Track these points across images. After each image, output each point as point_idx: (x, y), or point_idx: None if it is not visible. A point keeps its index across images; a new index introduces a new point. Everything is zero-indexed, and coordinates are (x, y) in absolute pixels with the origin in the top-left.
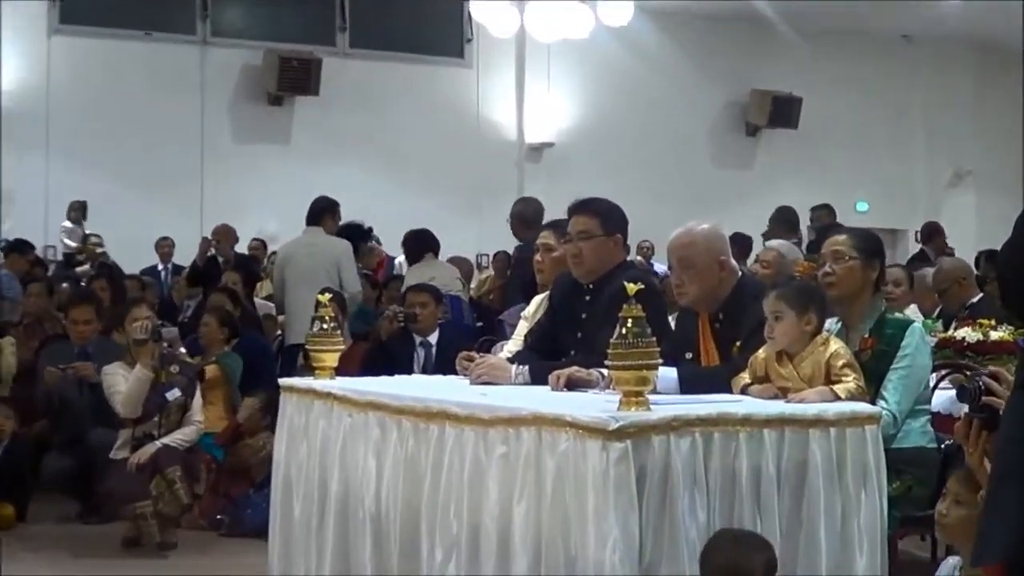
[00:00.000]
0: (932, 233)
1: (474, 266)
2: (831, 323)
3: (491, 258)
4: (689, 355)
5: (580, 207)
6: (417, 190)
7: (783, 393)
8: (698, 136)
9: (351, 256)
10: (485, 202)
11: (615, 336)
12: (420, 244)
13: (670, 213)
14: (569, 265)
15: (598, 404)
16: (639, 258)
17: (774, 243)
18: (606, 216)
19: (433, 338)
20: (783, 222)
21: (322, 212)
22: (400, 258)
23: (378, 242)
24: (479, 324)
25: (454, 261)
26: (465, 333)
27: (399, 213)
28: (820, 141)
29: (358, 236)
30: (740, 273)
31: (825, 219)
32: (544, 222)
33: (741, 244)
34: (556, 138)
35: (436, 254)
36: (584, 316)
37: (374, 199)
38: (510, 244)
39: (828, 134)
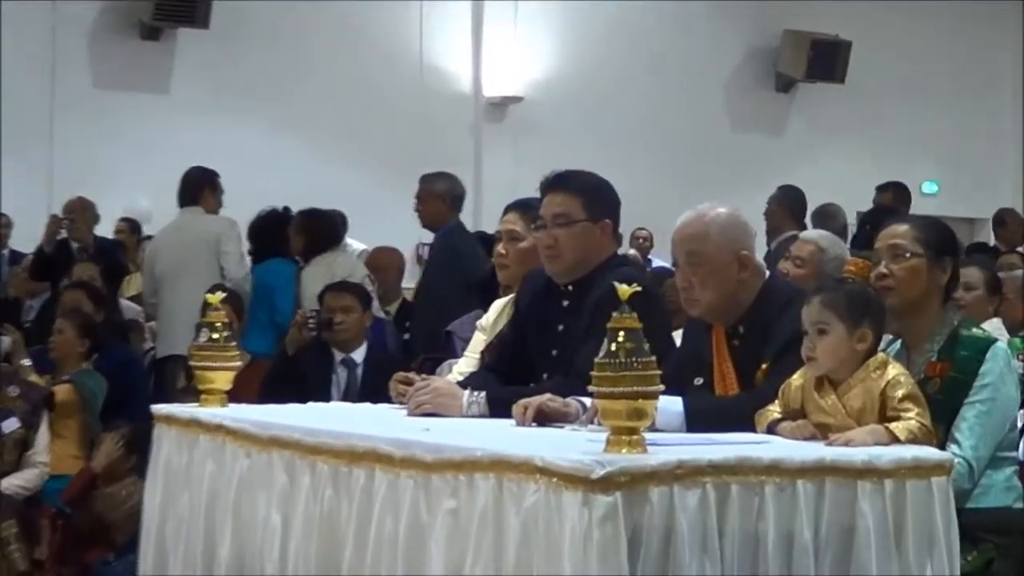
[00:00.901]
0: (1004, 221)
1: (411, 259)
2: (888, 341)
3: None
4: (699, 380)
5: (556, 183)
6: (339, 158)
7: (824, 433)
8: (713, 92)
9: (234, 234)
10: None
11: (602, 354)
12: (321, 230)
13: (676, 192)
14: (541, 260)
15: (578, 444)
16: (633, 252)
17: (811, 234)
18: (590, 195)
19: (358, 354)
20: (785, 206)
21: (197, 187)
22: None
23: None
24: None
25: (380, 252)
26: (400, 347)
27: (314, 188)
28: (874, 99)
29: (279, 227)
30: (767, 273)
31: (889, 202)
32: (510, 202)
33: (795, 206)
34: (525, 91)
35: (336, 244)
36: (561, 327)
37: (281, 169)
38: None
39: (885, 90)
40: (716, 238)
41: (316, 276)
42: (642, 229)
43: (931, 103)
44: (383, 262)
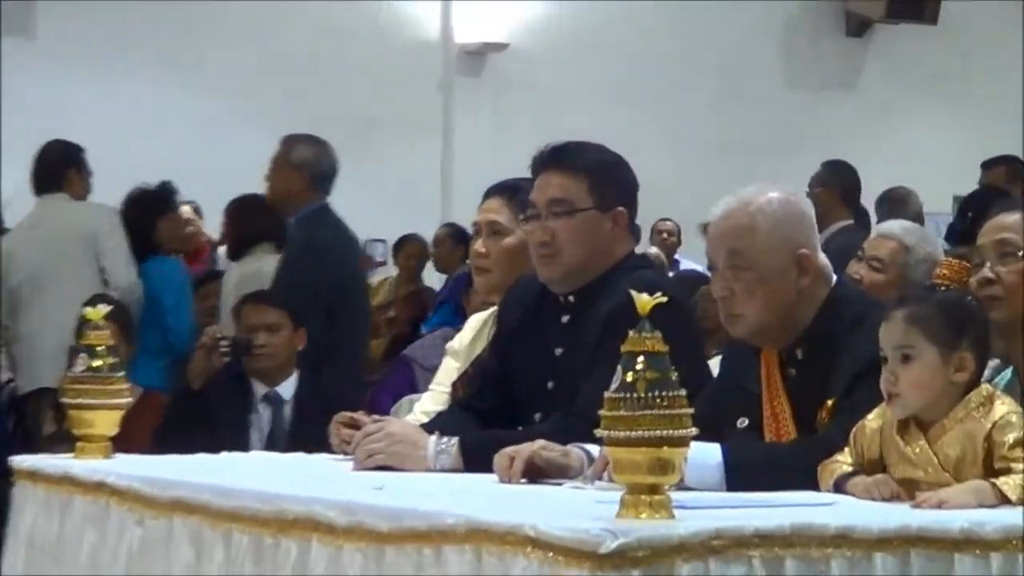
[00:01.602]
0: None
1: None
2: (994, 369)
3: (390, 248)
4: (744, 422)
5: (554, 160)
6: (267, 124)
7: (910, 491)
8: (763, 35)
9: (115, 227)
10: (387, 147)
11: (614, 387)
12: (251, 222)
13: (711, 171)
14: (533, 261)
15: (582, 507)
16: (655, 250)
17: (892, 226)
18: (599, 176)
19: (287, 387)
20: (834, 188)
21: (60, 168)
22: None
23: (197, 212)
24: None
25: None
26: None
27: (235, 164)
28: (976, 46)
29: (156, 205)
30: (834, 279)
31: (1000, 182)
32: (491, 186)
33: (847, 188)
34: (509, 37)
35: (278, 242)
36: (559, 351)
37: (188, 137)
38: (429, 220)
39: (990, 34)
40: (766, 233)
41: (240, 276)
42: (666, 220)
43: None
44: None
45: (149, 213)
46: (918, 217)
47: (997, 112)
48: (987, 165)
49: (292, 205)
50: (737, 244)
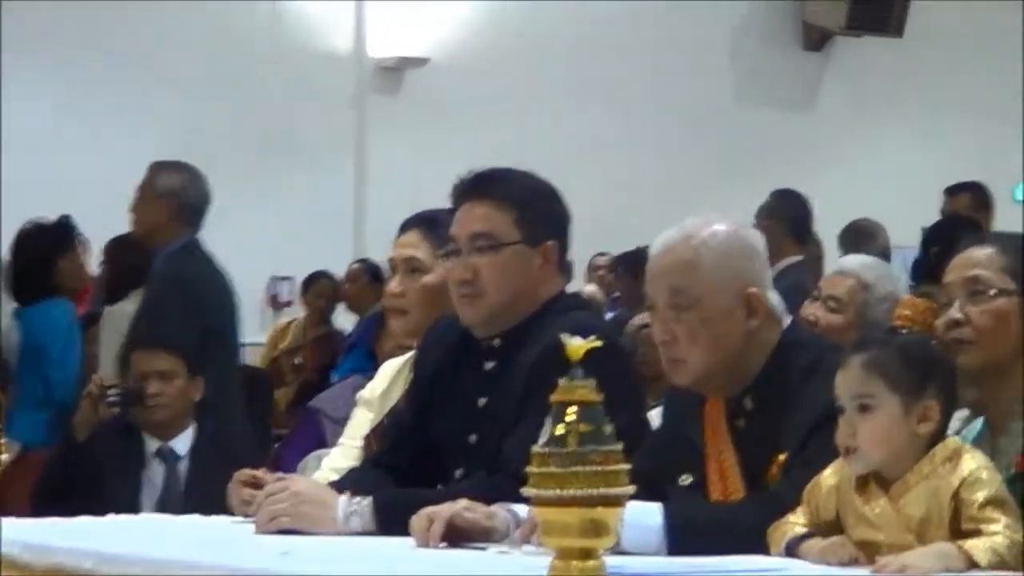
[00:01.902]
0: None
1: (260, 298)
2: (963, 420)
3: (298, 287)
4: (687, 478)
5: (477, 188)
6: (155, 147)
7: (869, 554)
8: (714, 48)
9: None
10: (293, 173)
11: (543, 440)
12: (129, 262)
13: (654, 200)
14: (454, 301)
15: (508, 573)
16: (591, 289)
17: (851, 262)
18: (527, 206)
19: (182, 442)
20: (783, 220)
21: None
22: None
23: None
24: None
25: None
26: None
27: (116, 192)
28: (945, 61)
29: (54, 242)
30: (787, 321)
31: (968, 210)
32: (409, 217)
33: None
34: (430, 51)
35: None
36: (483, 401)
37: (65, 161)
38: (341, 256)
39: (960, 48)
40: (711, 270)
41: (119, 318)
42: (603, 255)
43: None
44: None
45: (47, 251)
46: (885, 252)
47: (968, 132)
48: (951, 191)
49: (158, 238)
50: (679, 282)
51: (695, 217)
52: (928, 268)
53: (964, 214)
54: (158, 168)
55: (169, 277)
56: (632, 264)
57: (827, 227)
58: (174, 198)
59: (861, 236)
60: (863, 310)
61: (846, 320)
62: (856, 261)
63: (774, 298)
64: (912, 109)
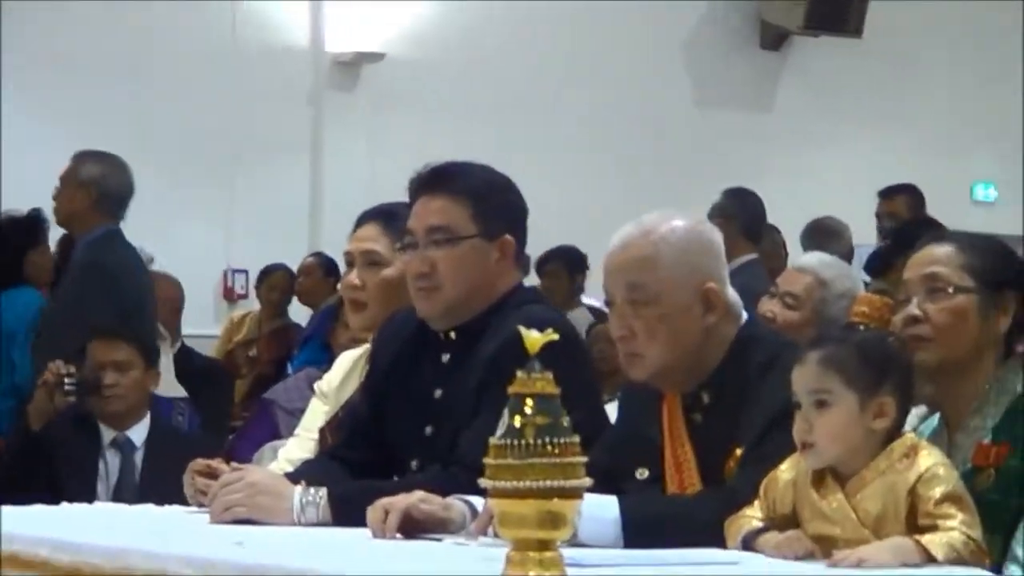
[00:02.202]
0: None
1: (215, 291)
2: (920, 416)
3: (253, 280)
4: (644, 472)
5: (434, 182)
6: (114, 140)
7: (825, 549)
8: (667, 50)
9: None
10: (249, 168)
11: (500, 432)
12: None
13: (614, 197)
14: (411, 295)
15: (464, 565)
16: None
17: (809, 260)
18: (484, 200)
19: (138, 432)
20: (736, 220)
21: None
22: None
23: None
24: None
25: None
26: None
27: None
28: (905, 61)
29: (26, 235)
30: (744, 317)
31: (901, 212)
32: (366, 210)
33: (749, 219)
34: (387, 46)
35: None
36: (438, 394)
37: (21, 161)
38: (296, 249)
39: (920, 48)
40: (669, 266)
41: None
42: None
43: (989, 69)
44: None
45: (18, 244)
46: (850, 251)
47: (929, 133)
48: (886, 194)
49: (79, 226)
50: (637, 277)
51: (653, 213)
52: (884, 263)
53: (929, 217)
54: (81, 157)
55: (88, 264)
56: (566, 262)
57: (787, 227)
58: (95, 187)
59: (827, 235)
60: (820, 307)
61: (803, 317)
62: (814, 258)
63: (732, 294)
64: (871, 108)
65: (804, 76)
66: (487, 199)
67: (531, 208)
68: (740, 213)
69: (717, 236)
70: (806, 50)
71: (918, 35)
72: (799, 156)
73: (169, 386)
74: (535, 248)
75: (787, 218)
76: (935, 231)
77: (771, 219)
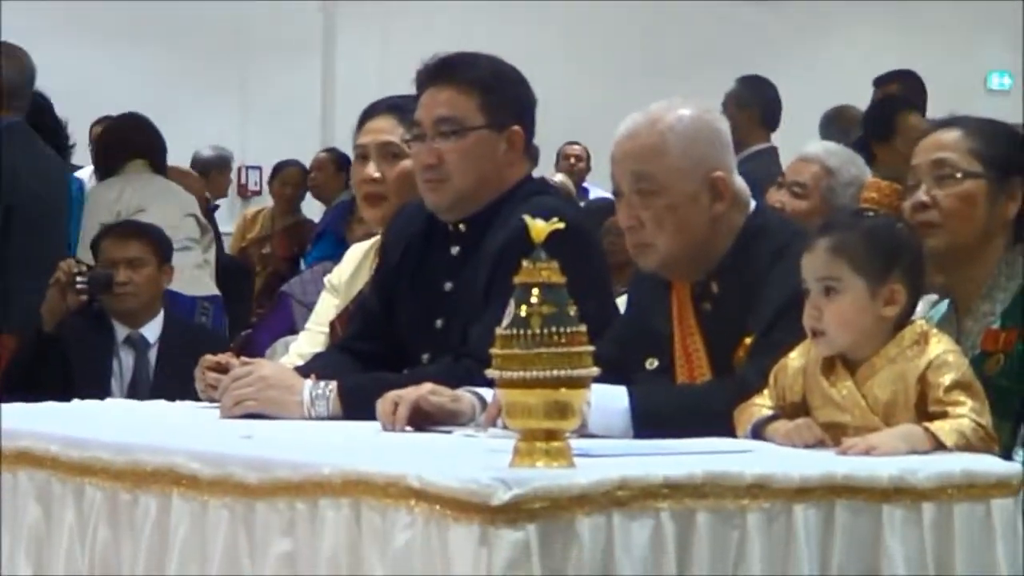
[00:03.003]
0: None
1: (231, 189)
2: (924, 305)
3: (266, 176)
4: (654, 363)
5: (441, 73)
6: (127, 38)
7: (836, 436)
8: None
9: None
10: (261, 67)
11: (506, 322)
12: (117, 139)
13: (621, 91)
14: (419, 187)
15: (473, 456)
16: (561, 177)
17: (815, 148)
18: (491, 91)
19: (151, 329)
20: (750, 108)
21: None
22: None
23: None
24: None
25: (178, 177)
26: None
27: (104, 80)
28: None
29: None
30: (753, 205)
31: (899, 99)
32: (376, 101)
33: (764, 107)
34: None
35: (155, 161)
36: (448, 286)
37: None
38: (309, 146)
39: None
40: (677, 155)
41: (106, 198)
42: (574, 144)
43: None
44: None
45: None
46: None
47: (943, 23)
48: (880, 82)
49: None
50: (644, 167)
51: (661, 101)
52: (865, 151)
53: (897, 94)
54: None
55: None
56: None
57: (800, 118)
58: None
59: (841, 123)
60: (828, 195)
61: (811, 205)
62: (820, 147)
63: (740, 182)
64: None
65: None
66: (495, 90)
67: (547, 101)
68: (755, 101)
69: (724, 124)
70: None
71: None
72: (812, 47)
73: (201, 284)
74: (540, 141)
75: (796, 109)
76: (942, 120)
77: (786, 112)
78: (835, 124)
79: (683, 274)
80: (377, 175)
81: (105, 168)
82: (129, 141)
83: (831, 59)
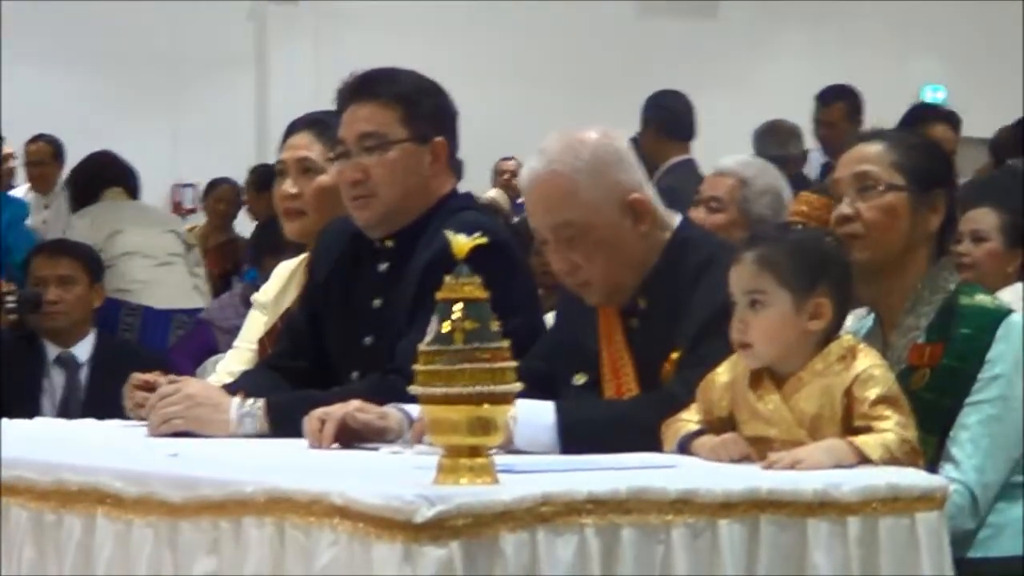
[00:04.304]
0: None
1: (163, 203)
2: (853, 319)
3: (200, 193)
4: (581, 379)
5: (361, 89)
6: (62, 61)
7: (761, 451)
8: None
9: None
10: (195, 83)
11: (429, 338)
12: (90, 175)
13: (558, 105)
14: (345, 203)
15: (399, 473)
16: (495, 193)
17: (728, 162)
18: (413, 104)
19: (83, 348)
20: (657, 123)
21: None
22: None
23: None
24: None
25: None
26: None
27: (34, 103)
28: None
29: None
30: (678, 219)
31: (839, 119)
32: (295, 119)
33: (672, 120)
34: None
35: (130, 188)
36: (377, 303)
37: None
38: (241, 164)
39: None
40: (586, 190)
41: (86, 227)
42: (508, 160)
43: None
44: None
45: None
46: (803, 156)
47: (878, 37)
48: (823, 98)
49: None
50: (560, 216)
51: (552, 137)
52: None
53: (836, 122)
54: None
55: None
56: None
57: (734, 134)
58: None
59: (776, 137)
60: (744, 205)
61: (729, 218)
62: (732, 160)
63: (655, 197)
64: (816, 13)
65: None
66: (417, 103)
67: (480, 119)
68: (660, 116)
69: (622, 143)
70: None
71: None
72: (743, 63)
73: (187, 298)
74: (475, 157)
75: (730, 126)
76: (870, 133)
77: (718, 126)
78: (769, 137)
79: (629, 295)
80: (294, 191)
81: (82, 202)
82: (102, 174)
83: (764, 74)
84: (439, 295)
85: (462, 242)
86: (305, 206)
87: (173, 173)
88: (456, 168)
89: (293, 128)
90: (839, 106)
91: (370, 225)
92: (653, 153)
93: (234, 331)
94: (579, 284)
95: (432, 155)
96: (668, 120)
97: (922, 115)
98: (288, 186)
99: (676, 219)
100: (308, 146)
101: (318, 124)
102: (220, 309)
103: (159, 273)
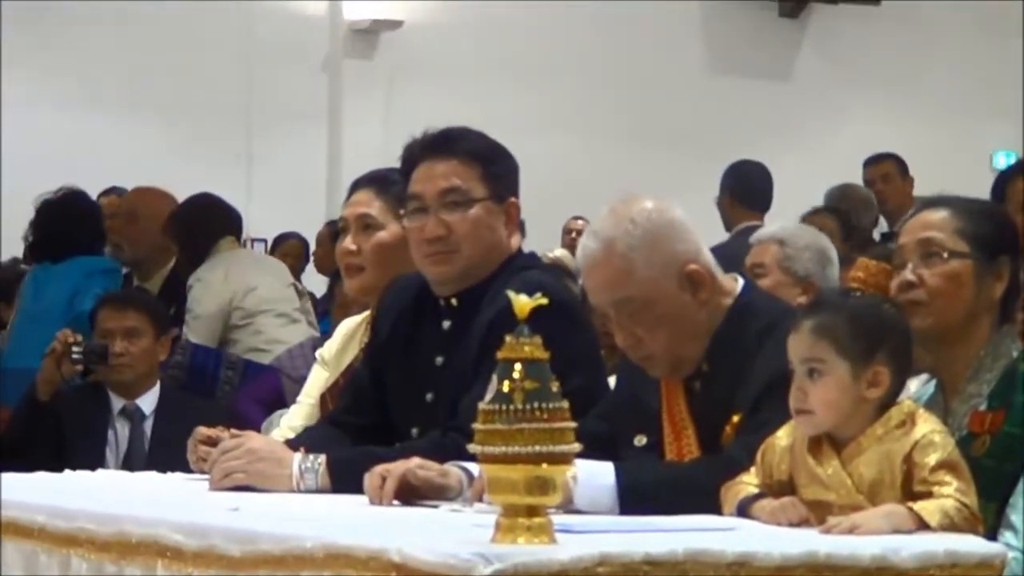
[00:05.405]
0: None
1: None
2: (918, 384)
3: (268, 245)
4: (642, 439)
5: (439, 146)
6: (135, 109)
7: (820, 515)
8: (683, 15)
9: None
10: (267, 137)
11: (489, 397)
12: (200, 220)
13: (629, 164)
14: (417, 260)
15: (458, 530)
16: (560, 252)
17: (764, 232)
18: (490, 162)
19: (147, 400)
20: (734, 191)
21: None
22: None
23: None
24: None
25: (139, 195)
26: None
27: (118, 155)
28: (924, 27)
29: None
30: (740, 284)
31: (890, 181)
32: (358, 177)
33: (748, 188)
34: (405, 13)
35: (239, 235)
36: (439, 361)
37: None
38: (312, 219)
39: (939, 14)
40: (643, 267)
41: (212, 281)
42: (578, 219)
43: (1009, 36)
44: (141, 209)
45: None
46: (876, 219)
47: (949, 101)
48: (871, 163)
49: None
50: (619, 294)
51: (605, 214)
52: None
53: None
54: None
55: None
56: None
57: (804, 196)
58: None
59: (847, 202)
60: (787, 264)
61: (774, 281)
62: (768, 229)
63: (712, 263)
64: (889, 77)
65: (823, 45)
66: (494, 162)
67: (545, 176)
68: (735, 184)
69: (674, 212)
70: (825, 19)
71: (937, 6)
72: (816, 127)
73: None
74: (554, 216)
75: (803, 189)
76: (931, 201)
77: (789, 189)
78: (835, 201)
79: (693, 366)
80: (353, 247)
81: (195, 252)
82: (213, 220)
83: (835, 137)
84: (500, 355)
85: (523, 302)
86: (364, 262)
87: (244, 227)
88: (520, 229)
89: (356, 185)
90: (887, 163)
91: (446, 280)
92: (729, 219)
93: (302, 381)
94: (643, 358)
95: (506, 215)
96: (746, 189)
97: (1006, 175)
98: (348, 242)
99: (739, 283)
100: (368, 203)
101: (380, 181)
102: (291, 359)
103: (288, 332)
